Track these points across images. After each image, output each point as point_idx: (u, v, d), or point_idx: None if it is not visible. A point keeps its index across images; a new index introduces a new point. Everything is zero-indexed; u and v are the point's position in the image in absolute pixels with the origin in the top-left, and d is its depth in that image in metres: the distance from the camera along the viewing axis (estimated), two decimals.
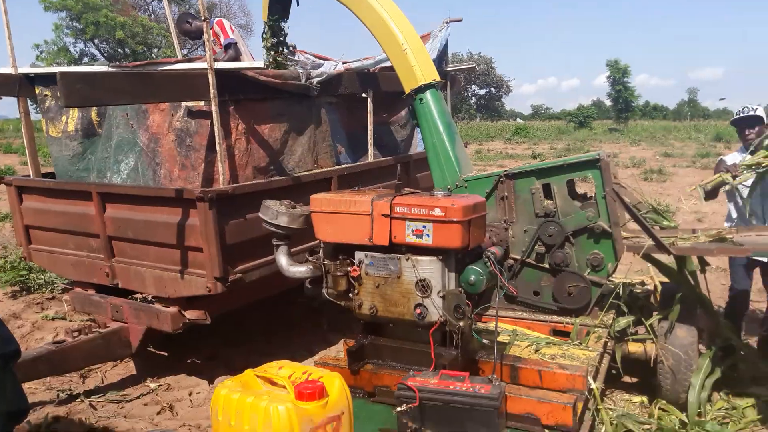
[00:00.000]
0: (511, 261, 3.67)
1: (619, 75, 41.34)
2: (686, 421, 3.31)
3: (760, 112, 4.14)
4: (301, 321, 4.97)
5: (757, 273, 4.32)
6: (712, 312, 3.76)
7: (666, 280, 4.06)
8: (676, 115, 55.45)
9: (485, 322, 3.27)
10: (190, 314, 3.68)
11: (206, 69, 3.43)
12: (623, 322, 3.58)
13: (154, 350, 4.55)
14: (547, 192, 3.64)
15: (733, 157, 4.33)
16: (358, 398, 2.63)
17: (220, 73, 3.52)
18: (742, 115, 4.20)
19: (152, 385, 4.11)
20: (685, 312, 3.53)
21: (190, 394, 3.97)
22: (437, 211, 2.48)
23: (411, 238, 2.53)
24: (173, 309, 3.70)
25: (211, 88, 3.41)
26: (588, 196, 3.67)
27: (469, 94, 52.55)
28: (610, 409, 3.51)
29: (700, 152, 21.13)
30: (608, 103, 44.70)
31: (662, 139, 29.15)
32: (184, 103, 3.77)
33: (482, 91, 53.93)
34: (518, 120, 52.15)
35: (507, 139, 29.99)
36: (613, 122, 40.78)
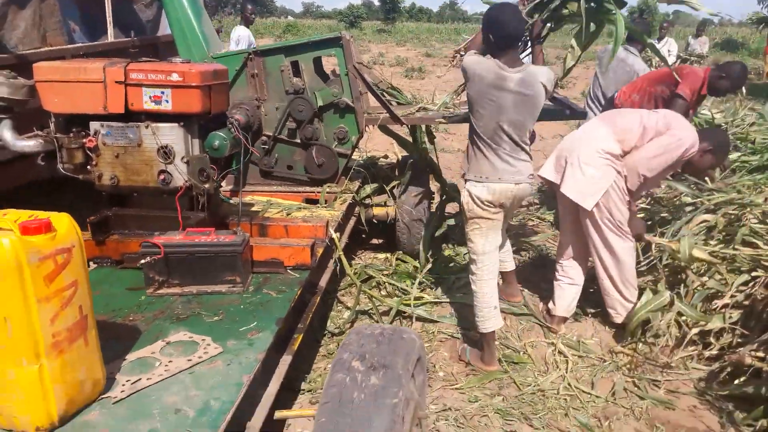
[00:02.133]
0: (264, 138, 3.91)
1: None
2: (418, 266, 4.01)
3: None
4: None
5: None
6: (440, 176, 4.47)
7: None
8: (439, 18, 59.39)
9: (244, 198, 3.51)
10: None
11: None
12: (368, 188, 4.10)
13: None
14: (297, 70, 3.88)
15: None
16: (106, 267, 2.72)
17: None
18: None
19: None
20: (417, 177, 4.17)
21: None
22: (175, 77, 2.56)
23: (149, 105, 2.59)
24: None
25: None
26: (336, 73, 4.00)
27: None
28: (357, 264, 4.09)
29: None
30: (377, 3, 46.10)
31: (426, 40, 31.26)
32: None
33: None
34: (289, 17, 51.07)
35: (277, 36, 29.46)
36: (382, 23, 42.33)
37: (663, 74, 4.48)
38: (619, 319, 3.39)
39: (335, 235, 3.09)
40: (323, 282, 2.95)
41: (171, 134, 2.63)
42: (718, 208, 3.76)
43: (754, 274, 3.14)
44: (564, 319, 3.45)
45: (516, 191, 2.91)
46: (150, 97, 2.58)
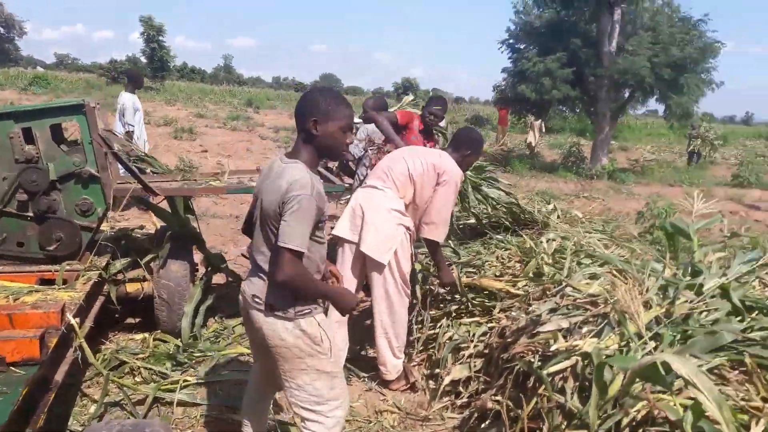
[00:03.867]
0: None
1: (153, 33, 41.46)
2: (180, 345, 3.84)
3: None
4: None
5: None
6: (203, 246, 4.38)
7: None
8: (213, 79, 59.09)
9: None
10: None
11: None
12: (118, 264, 3.85)
13: None
14: (30, 137, 3.56)
15: None
16: None
17: None
18: None
19: None
20: (177, 249, 4.03)
21: None
22: None
23: None
24: None
25: None
26: (78, 141, 3.75)
27: None
28: (108, 349, 3.77)
29: (231, 115, 23.38)
30: (144, 60, 44.42)
31: (198, 100, 30.86)
32: None
33: None
34: (38, 68, 46.39)
35: (22, 89, 26.61)
36: (150, 81, 40.80)
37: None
38: (388, 376, 3.62)
39: (74, 321, 2.83)
40: (60, 376, 2.67)
41: None
42: (461, 268, 4.25)
43: (490, 325, 3.58)
44: None
45: (253, 321, 2.28)
46: None
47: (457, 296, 3.98)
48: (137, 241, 4.28)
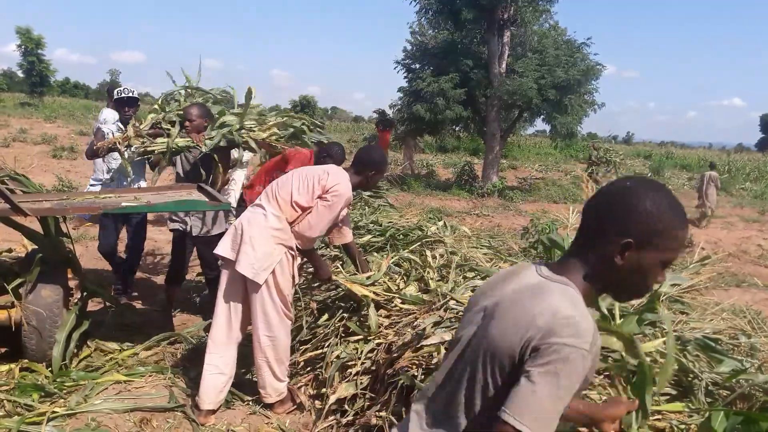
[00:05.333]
0: None
1: (31, 46, 39.06)
2: (49, 375, 3.64)
3: (136, 95, 5.64)
4: None
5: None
6: (78, 270, 4.19)
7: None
8: (98, 95, 56.34)
9: None
10: None
11: None
12: None
13: None
14: None
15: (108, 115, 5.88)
16: None
17: None
18: (122, 95, 5.59)
19: None
20: (49, 273, 3.84)
21: None
22: None
23: None
24: None
25: None
26: None
27: None
28: None
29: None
30: (21, 75, 41.73)
31: (81, 117, 29.35)
32: None
33: None
34: None
35: None
36: (27, 96, 38.33)
37: (275, 162, 5.04)
38: (268, 399, 3.57)
39: None
40: None
41: None
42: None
43: (377, 341, 3.66)
44: (212, 412, 3.46)
45: None
46: None
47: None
48: (4, 265, 4.03)
